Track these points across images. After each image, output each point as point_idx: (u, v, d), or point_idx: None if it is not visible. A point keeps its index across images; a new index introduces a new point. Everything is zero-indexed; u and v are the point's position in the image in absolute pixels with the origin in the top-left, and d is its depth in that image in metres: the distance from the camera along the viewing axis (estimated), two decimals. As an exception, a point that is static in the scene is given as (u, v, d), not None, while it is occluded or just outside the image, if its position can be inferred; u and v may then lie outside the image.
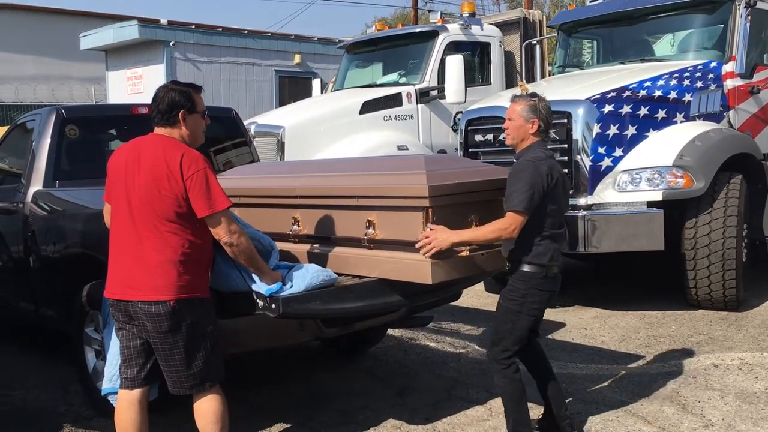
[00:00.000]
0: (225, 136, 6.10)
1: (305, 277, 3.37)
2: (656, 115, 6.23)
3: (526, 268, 3.46)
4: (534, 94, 3.63)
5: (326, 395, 4.62)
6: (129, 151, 3.23)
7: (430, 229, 3.31)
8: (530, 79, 9.00)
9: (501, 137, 6.50)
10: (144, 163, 3.12)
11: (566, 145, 6.12)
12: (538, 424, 3.82)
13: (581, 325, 6.06)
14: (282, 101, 15.60)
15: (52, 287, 4.89)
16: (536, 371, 3.83)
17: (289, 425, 4.13)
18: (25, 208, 5.05)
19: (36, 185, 5.05)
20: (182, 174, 3.04)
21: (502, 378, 3.56)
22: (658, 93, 6.31)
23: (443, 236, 3.30)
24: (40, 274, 4.96)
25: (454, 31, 9.37)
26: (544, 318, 6.10)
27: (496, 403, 4.29)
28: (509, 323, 3.53)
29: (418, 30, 9.70)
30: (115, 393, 3.41)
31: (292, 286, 3.32)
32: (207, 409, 3.21)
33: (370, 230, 3.54)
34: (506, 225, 3.34)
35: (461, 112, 7.85)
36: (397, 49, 9.76)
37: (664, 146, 6.07)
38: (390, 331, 5.76)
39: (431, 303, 4.38)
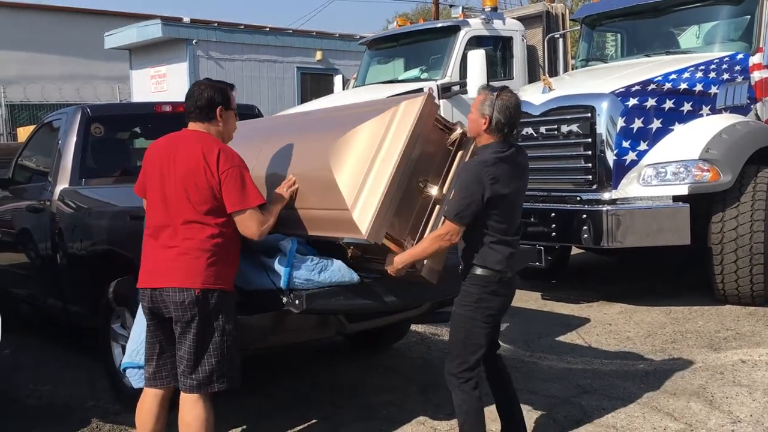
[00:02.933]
0: (247, 133, 6.13)
1: (325, 268, 3.39)
2: (682, 108, 6.16)
3: (479, 271, 3.24)
4: (494, 89, 3.28)
5: (349, 391, 4.64)
6: (165, 145, 3.31)
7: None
8: (553, 73, 8.92)
9: (524, 132, 6.52)
10: (181, 155, 3.20)
11: (590, 140, 6.08)
12: None
13: (606, 320, 6.01)
14: (304, 98, 15.66)
15: (80, 284, 4.95)
16: (497, 389, 3.58)
17: (312, 420, 4.15)
18: (52, 206, 5.12)
19: (63, 183, 5.12)
20: (218, 167, 3.12)
21: (461, 394, 3.30)
22: (683, 86, 6.23)
23: (392, 268, 3.25)
24: (67, 271, 5.02)
25: (475, 26, 9.33)
26: (569, 314, 6.22)
27: (520, 399, 4.26)
28: (463, 332, 3.30)
29: (439, 25, 9.69)
30: (134, 368, 3.46)
31: (317, 273, 3.35)
32: (192, 418, 3.16)
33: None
34: (443, 233, 3.17)
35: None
36: (418, 44, 9.74)
37: (690, 140, 6.00)
38: (413, 327, 5.77)
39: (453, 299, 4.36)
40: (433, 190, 3.36)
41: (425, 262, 3.34)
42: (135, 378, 3.46)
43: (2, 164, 6.83)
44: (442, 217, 3.25)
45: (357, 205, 3.20)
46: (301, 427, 4.09)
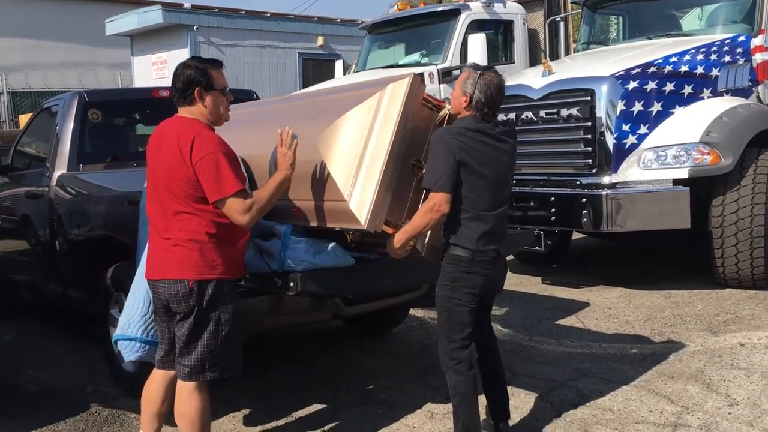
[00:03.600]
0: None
1: (321, 251, 3.38)
2: (682, 91, 6.11)
3: (453, 250, 3.23)
4: (478, 68, 3.28)
5: (348, 375, 4.65)
6: (156, 135, 3.23)
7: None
8: (554, 56, 8.87)
9: (523, 116, 6.49)
10: (164, 146, 3.12)
11: (590, 123, 6.04)
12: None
13: (605, 304, 6.00)
14: (305, 83, 15.59)
15: (78, 270, 4.97)
16: (486, 373, 3.58)
17: (311, 404, 4.17)
18: (50, 191, 5.13)
19: (60, 169, 5.12)
20: (192, 157, 3.00)
21: (455, 375, 3.30)
22: (684, 68, 6.18)
23: (392, 247, 3.24)
24: (66, 256, 5.03)
25: (476, 10, 9.27)
26: (569, 298, 6.22)
27: (518, 383, 4.29)
28: (445, 312, 3.30)
29: (440, 9, 9.62)
30: (125, 340, 3.43)
31: (312, 255, 3.35)
32: (187, 408, 3.15)
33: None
34: (430, 206, 3.14)
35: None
36: (419, 28, 9.69)
37: (691, 122, 5.96)
38: (413, 312, 5.77)
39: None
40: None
41: (426, 241, 3.34)
42: (126, 350, 3.44)
43: (5, 151, 6.85)
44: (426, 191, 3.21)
45: (353, 195, 3.19)
46: (301, 410, 4.10)
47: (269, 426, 3.93)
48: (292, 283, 3.28)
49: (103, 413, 4.19)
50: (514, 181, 6.32)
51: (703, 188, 6.00)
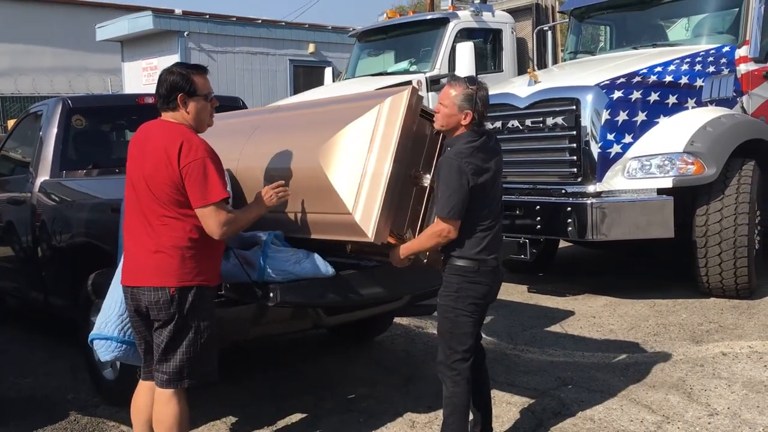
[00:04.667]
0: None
1: (301, 260, 3.38)
2: (667, 101, 6.15)
3: (458, 262, 3.23)
4: (474, 81, 3.25)
5: (331, 383, 4.64)
6: (138, 138, 3.19)
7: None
8: (542, 65, 8.91)
9: (509, 125, 6.50)
10: (148, 149, 3.08)
11: (574, 132, 6.07)
12: None
13: (590, 313, 6.01)
14: (296, 90, 15.62)
15: (60, 276, 4.94)
16: (476, 382, 3.48)
17: (292, 412, 4.15)
18: (33, 198, 5.10)
19: (43, 175, 5.10)
20: (179, 161, 2.96)
21: (452, 386, 3.28)
22: (668, 78, 6.22)
23: (396, 258, 3.30)
24: (48, 263, 5.01)
25: (465, 18, 9.31)
26: (553, 306, 6.22)
27: (499, 392, 4.28)
28: (448, 323, 3.29)
29: (428, 17, 9.65)
30: (102, 339, 3.39)
31: (292, 265, 3.34)
32: (166, 415, 3.12)
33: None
34: (438, 230, 3.17)
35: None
36: (407, 36, 9.72)
37: (675, 132, 5.99)
38: (397, 320, 5.76)
39: (434, 291, 4.35)
40: (427, 180, 3.36)
41: (428, 252, 3.35)
42: (102, 350, 3.39)
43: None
44: (436, 216, 3.22)
45: (358, 209, 3.21)
46: (282, 418, 4.08)
47: (249, 434, 3.91)
48: (271, 294, 3.27)
49: (83, 421, 4.16)
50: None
51: (687, 198, 6.03)
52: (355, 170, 3.24)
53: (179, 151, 2.97)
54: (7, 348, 5.72)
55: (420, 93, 3.36)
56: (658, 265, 7.50)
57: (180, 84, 3.08)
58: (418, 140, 3.33)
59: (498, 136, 6.73)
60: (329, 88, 10.11)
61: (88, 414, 4.25)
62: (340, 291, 3.49)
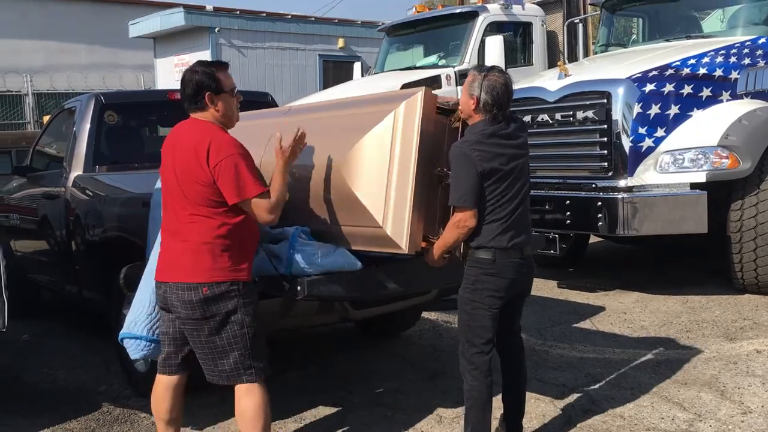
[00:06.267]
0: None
1: (328, 254, 3.38)
2: (701, 94, 6.03)
3: (476, 253, 3.22)
4: (483, 69, 3.26)
5: (359, 378, 4.65)
6: (171, 138, 3.22)
7: None
8: (573, 58, 8.81)
9: (539, 119, 6.45)
10: (179, 150, 3.10)
11: (606, 126, 5.99)
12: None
13: (621, 309, 5.94)
14: (326, 85, 15.62)
15: (93, 270, 5.02)
16: (507, 380, 3.54)
17: (319, 406, 4.17)
18: (67, 192, 5.18)
19: (77, 170, 5.18)
20: (209, 162, 2.97)
21: (471, 380, 3.27)
22: (702, 71, 6.10)
23: (430, 260, 3.31)
24: (81, 257, 5.09)
25: (494, 12, 9.24)
26: (584, 302, 6.16)
27: (529, 388, 4.23)
28: (465, 315, 3.29)
29: (457, 11, 9.60)
30: (131, 338, 3.43)
31: (319, 259, 3.35)
32: (244, 407, 3.13)
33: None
34: (456, 221, 3.17)
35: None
36: (436, 31, 9.68)
37: (709, 126, 5.88)
38: (425, 315, 5.76)
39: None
40: None
41: (461, 247, 3.32)
42: (132, 349, 3.44)
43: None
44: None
45: (388, 221, 3.21)
46: (309, 411, 4.10)
47: (278, 427, 3.93)
48: (299, 287, 3.28)
49: (114, 412, 4.23)
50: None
51: (721, 192, 5.92)
52: (379, 181, 3.23)
53: (207, 151, 2.99)
54: (42, 341, 5.84)
55: (449, 85, 3.34)
56: (691, 261, 7.38)
57: (206, 82, 3.09)
58: (437, 138, 3.30)
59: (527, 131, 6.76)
60: (358, 83, 10.12)
61: (120, 405, 4.32)
62: (367, 284, 3.49)
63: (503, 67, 8.45)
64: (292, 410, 4.11)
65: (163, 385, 3.30)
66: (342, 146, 3.38)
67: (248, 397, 3.11)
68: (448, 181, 3.26)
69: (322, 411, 4.12)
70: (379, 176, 3.23)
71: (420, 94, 3.18)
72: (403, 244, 3.16)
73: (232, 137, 3.10)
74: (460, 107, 3.31)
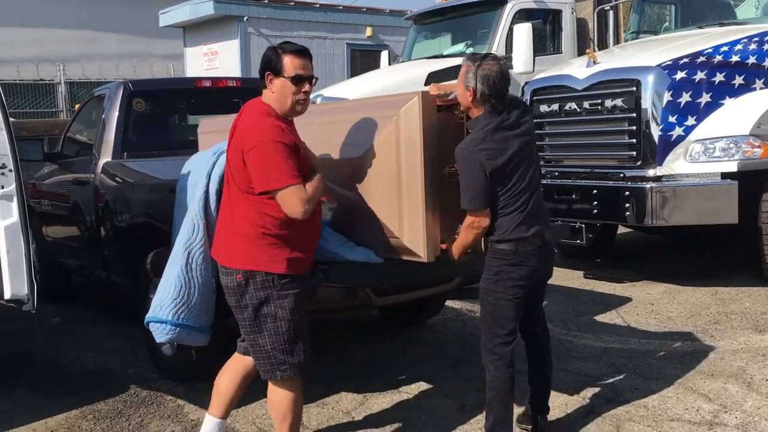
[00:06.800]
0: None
1: (354, 247, 3.40)
2: (733, 82, 5.92)
3: (496, 245, 3.20)
4: (476, 58, 3.14)
5: (382, 364, 4.67)
6: (237, 117, 3.10)
7: None
8: (603, 46, 8.70)
9: (567, 107, 6.38)
10: (237, 130, 3.02)
11: (635, 115, 5.91)
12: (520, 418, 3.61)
13: (648, 300, 5.88)
14: (353, 74, 15.61)
15: (120, 255, 5.09)
16: (533, 369, 3.56)
17: (342, 392, 4.20)
18: (96, 179, 5.26)
19: (105, 157, 5.25)
20: (245, 145, 2.88)
21: (494, 371, 3.27)
22: (735, 58, 5.98)
23: (452, 258, 3.28)
24: (109, 242, 5.17)
25: (523, -1, 9.15)
26: (610, 292, 6.10)
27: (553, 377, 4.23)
28: (489, 306, 3.29)
29: (486, -2, 9.51)
30: (157, 322, 3.46)
31: (345, 250, 3.39)
32: (273, 401, 3.14)
33: None
34: (469, 222, 3.15)
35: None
36: (464, 18, 9.60)
37: (741, 114, 5.78)
38: (450, 303, 5.75)
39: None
40: None
41: (482, 240, 3.31)
42: (157, 332, 3.48)
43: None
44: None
45: (405, 231, 3.22)
46: (332, 397, 4.13)
47: (300, 412, 3.96)
48: (320, 274, 3.30)
49: (141, 394, 4.30)
50: (556, 173, 6.34)
51: (753, 182, 5.81)
52: (390, 191, 3.22)
53: (247, 134, 2.91)
54: (72, 325, 5.95)
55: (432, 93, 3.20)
56: (722, 252, 7.26)
57: (269, 63, 2.97)
58: (443, 136, 3.24)
59: (553, 119, 6.68)
60: (385, 71, 10.11)
61: (147, 388, 4.39)
62: (388, 273, 3.49)
63: (531, 55, 8.42)
64: (315, 395, 4.13)
65: (237, 362, 3.31)
66: (349, 157, 3.38)
67: (279, 392, 3.10)
68: (458, 176, 3.22)
69: (344, 396, 4.14)
70: (389, 185, 3.23)
71: (416, 99, 3.11)
72: (422, 253, 3.18)
73: (273, 123, 2.93)
74: (459, 99, 3.20)
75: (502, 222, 3.17)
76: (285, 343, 3.01)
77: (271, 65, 2.97)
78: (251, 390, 3.80)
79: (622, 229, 7.76)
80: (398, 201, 3.22)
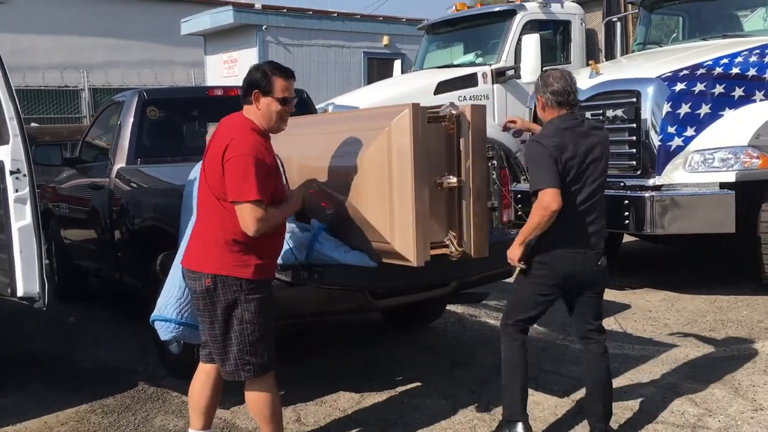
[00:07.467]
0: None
1: (349, 250, 3.56)
2: (732, 94, 6.01)
3: (537, 239, 3.40)
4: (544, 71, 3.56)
5: (381, 365, 4.82)
6: (216, 129, 3.29)
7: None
8: (611, 56, 8.79)
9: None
10: (214, 140, 3.18)
11: (634, 125, 6.03)
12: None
13: (647, 307, 5.97)
14: (370, 82, 15.79)
15: (133, 258, 5.28)
16: (588, 373, 3.67)
17: (341, 391, 4.35)
18: (110, 183, 5.47)
19: (120, 162, 5.46)
20: (224, 155, 3.01)
21: (503, 345, 3.59)
22: (735, 70, 6.08)
23: (512, 254, 3.43)
24: (123, 245, 5.37)
25: (532, 10, 9.27)
26: (610, 299, 6.18)
27: (544, 380, 4.37)
28: (515, 291, 3.59)
29: (496, 9, 9.64)
30: (161, 320, 3.61)
31: (340, 253, 3.54)
32: (250, 400, 3.25)
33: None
34: (539, 202, 3.29)
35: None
36: (475, 29, 9.75)
37: (740, 125, 5.87)
38: (452, 308, 5.90)
39: (479, 279, 4.47)
40: (452, 180, 3.42)
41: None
42: (162, 330, 3.64)
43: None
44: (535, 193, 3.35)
45: (395, 237, 3.34)
46: (330, 396, 4.29)
47: (299, 409, 4.12)
48: (316, 276, 3.47)
49: (149, 391, 4.49)
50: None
51: (753, 193, 5.89)
52: (382, 199, 3.35)
53: (228, 145, 3.03)
54: (86, 323, 6.16)
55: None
56: (724, 261, 7.33)
57: (258, 81, 3.13)
58: (433, 146, 3.38)
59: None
60: (395, 80, 10.28)
61: (154, 385, 4.57)
62: (382, 276, 3.63)
63: (539, 65, 8.54)
64: (315, 394, 4.30)
65: (201, 374, 3.42)
66: (344, 165, 3.52)
67: (252, 394, 3.22)
68: (451, 186, 3.40)
69: (342, 395, 4.30)
70: (381, 193, 3.36)
71: (407, 111, 3.24)
72: (412, 258, 3.29)
73: (257, 140, 3.10)
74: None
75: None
76: (249, 345, 3.12)
77: (259, 84, 3.12)
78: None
79: (627, 238, 7.85)
80: (390, 208, 3.35)
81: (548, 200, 3.26)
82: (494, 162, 4.18)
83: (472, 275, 4.22)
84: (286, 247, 3.60)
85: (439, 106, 3.43)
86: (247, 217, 2.99)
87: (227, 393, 4.01)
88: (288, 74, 3.17)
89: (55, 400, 4.33)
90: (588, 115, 6.33)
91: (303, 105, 6.34)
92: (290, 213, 3.32)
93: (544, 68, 8.60)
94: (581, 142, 3.36)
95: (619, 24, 8.62)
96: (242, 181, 2.98)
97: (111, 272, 5.78)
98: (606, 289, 6.44)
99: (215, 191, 3.10)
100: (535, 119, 6.72)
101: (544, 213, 3.28)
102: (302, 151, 3.44)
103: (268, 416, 3.24)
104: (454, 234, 3.46)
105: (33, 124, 13.70)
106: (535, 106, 3.71)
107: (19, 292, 3.70)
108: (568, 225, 3.34)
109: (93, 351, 5.34)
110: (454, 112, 3.38)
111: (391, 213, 3.35)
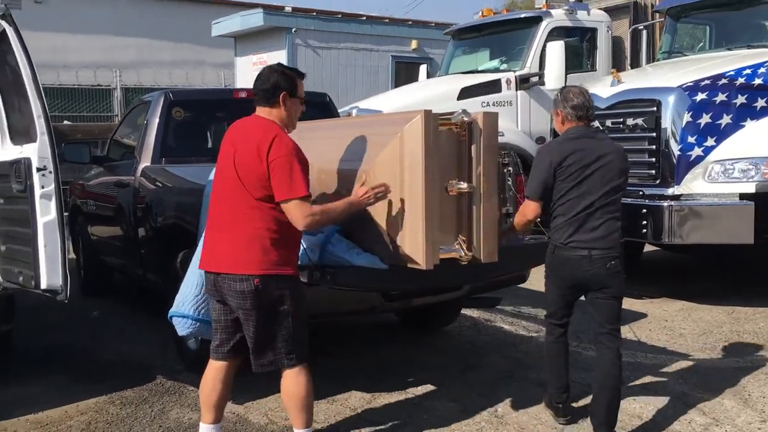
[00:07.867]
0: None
1: (361, 253, 3.63)
2: (755, 104, 5.99)
3: (551, 240, 3.68)
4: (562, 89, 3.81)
5: (393, 367, 4.89)
6: (235, 131, 3.40)
7: None
8: (637, 65, 8.78)
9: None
10: (242, 143, 3.27)
11: (655, 134, 6.04)
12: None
13: (663, 317, 5.97)
14: (397, 86, 15.87)
15: (156, 255, 5.42)
16: (598, 374, 3.76)
17: (353, 390, 4.43)
18: (136, 181, 5.62)
19: (145, 161, 5.59)
20: (268, 156, 3.13)
21: (546, 338, 3.97)
22: (758, 81, 6.05)
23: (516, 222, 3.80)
24: (146, 242, 5.51)
25: (558, 17, 9.28)
26: (626, 308, 6.16)
27: (552, 385, 4.39)
28: (545, 289, 3.84)
29: (522, 16, 9.68)
30: (179, 316, 3.71)
31: (352, 255, 3.62)
32: (286, 389, 3.36)
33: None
34: (521, 210, 3.73)
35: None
36: (501, 35, 9.78)
37: (761, 136, 5.85)
38: (467, 312, 5.94)
39: (492, 284, 4.52)
40: (463, 186, 3.49)
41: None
42: (179, 326, 3.76)
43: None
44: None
45: (406, 241, 3.43)
46: (342, 395, 4.37)
47: (310, 407, 4.21)
48: (329, 277, 3.55)
49: (166, 384, 4.61)
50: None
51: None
52: (394, 203, 3.44)
53: (270, 145, 3.15)
54: (110, 318, 6.33)
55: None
56: (744, 272, 7.27)
57: (284, 84, 3.29)
58: (445, 151, 3.46)
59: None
60: (419, 85, 10.35)
61: (172, 379, 4.69)
62: (393, 278, 3.70)
63: (563, 72, 8.55)
64: (326, 392, 4.37)
65: (213, 370, 3.51)
66: (357, 168, 3.62)
67: (291, 379, 3.34)
68: (462, 191, 3.49)
69: (354, 395, 4.38)
70: (393, 197, 3.44)
71: (419, 117, 3.32)
72: (421, 261, 3.37)
73: (293, 140, 3.26)
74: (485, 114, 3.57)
75: (554, 225, 3.61)
76: (292, 337, 3.29)
77: (285, 86, 3.29)
78: (265, 384, 4.09)
79: (648, 247, 7.83)
80: (401, 211, 3.44)
81: (526, 210, 3.68)
82: (510, 168, 4.24)
83: (483, 279, 4.27)
84: (300, 247, 3.70)
85: (453, 113, 3.50)
86: (298, 213, 3.16)
87: (239, 389, 4.13)
88: (303, 76, 3.44)
89: (75, 391, 4.47)
90: (608, 123, 6.37)
91: (325, 108, 6.45)
92: (344, 212, 3.36)
93: (568, 75, 8.63)
94: (590, 150, 3.52)
95: (645, 32, 8.60)
96: (290, 180, 3.13)
97: (135, 269, 5.93)
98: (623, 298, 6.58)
99: (256, 192, 3.19)
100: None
101: (521, 219, 3.74)
102: (320, 154, 3.54)
103: (303, 405, 3.36)
104: (463, 238, 3.53)
105: (66, 122, 14.03)
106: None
107: (43, 285, 3.83)
108: (573, 227, 3.53)
109: (115, 345, 5.49)
110: (465, 119, 3.44)
111: (401, 216, 3.44)
